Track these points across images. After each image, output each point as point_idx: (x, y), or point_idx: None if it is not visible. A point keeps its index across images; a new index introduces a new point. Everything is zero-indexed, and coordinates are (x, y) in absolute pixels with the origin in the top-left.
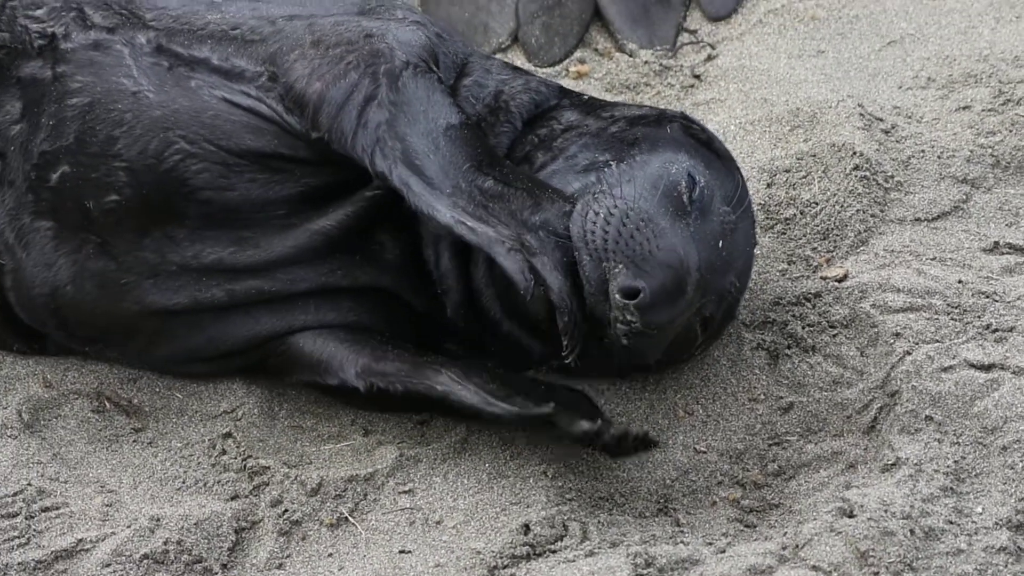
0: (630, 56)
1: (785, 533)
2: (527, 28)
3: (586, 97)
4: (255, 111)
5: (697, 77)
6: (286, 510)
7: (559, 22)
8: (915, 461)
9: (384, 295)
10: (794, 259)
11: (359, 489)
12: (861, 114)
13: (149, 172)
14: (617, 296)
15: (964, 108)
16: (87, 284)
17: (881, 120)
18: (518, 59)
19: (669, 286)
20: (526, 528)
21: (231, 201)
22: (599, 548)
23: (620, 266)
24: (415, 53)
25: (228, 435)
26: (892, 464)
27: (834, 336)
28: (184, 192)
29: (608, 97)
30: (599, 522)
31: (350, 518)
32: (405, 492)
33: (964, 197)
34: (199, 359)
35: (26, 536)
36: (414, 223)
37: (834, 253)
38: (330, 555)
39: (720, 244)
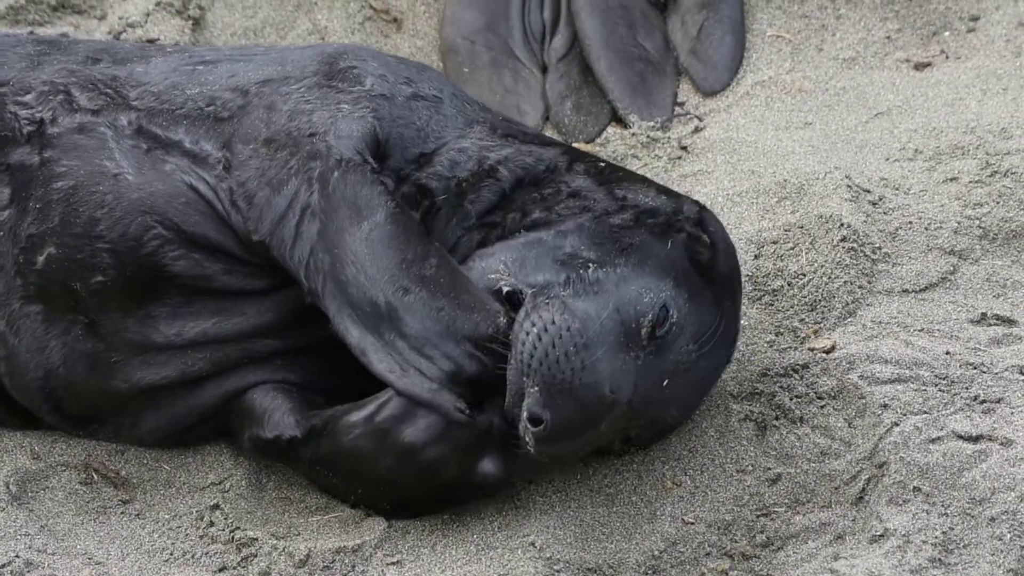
0: (628, 128)
1: None
2: (558, 109)
3: (603, 164)
4: (212, 204)
5: (685, 149)
6: None
7: (588, 101)
8: (903, 532)
9: None
10: (782, 330)
11: (347, 560)
12: (848, 186)
13: (131, 254)
14: (524, 416)
15: (951, 180)
16: (78, 365)
17: (868, 192)
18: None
19: (575, 422)
20: None
21: (211, 289)
22: None
23: (535, 388)
24: (351, 147)
25: (216, 507)
26: (880, 535)
27: (822, 407)
28: (166, 277)
29: None
30: None
31: None
32: (393, 563)
33: (952, 268)
34: (181, 428)
35: None
36: None
37: (822, 324)
38: None
39: (665, 383)
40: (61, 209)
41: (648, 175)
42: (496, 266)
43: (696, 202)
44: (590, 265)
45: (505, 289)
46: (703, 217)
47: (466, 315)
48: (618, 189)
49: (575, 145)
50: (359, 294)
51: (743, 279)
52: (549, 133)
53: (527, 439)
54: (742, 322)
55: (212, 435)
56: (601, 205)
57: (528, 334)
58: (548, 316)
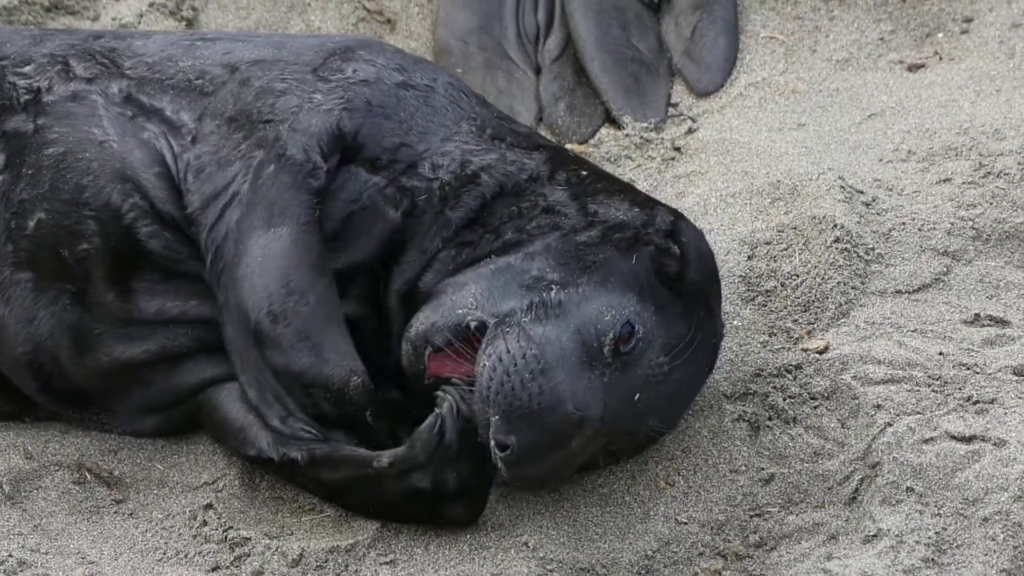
0: (622, 128)
1: None
2: (551, 110)
3: (584, 173)
4: (174, 177)
5: (678, 150)
6: None
7: (582, 102)
8: (896, 532)
9: None
10: (775, 331)
11: (340, 560)
12: (842, 186)
13: (113, 223)
14: (492, 444)
15: (944, 181)
16: (64, 337)
17: (862, 192)
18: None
19: (541, 443)
20: None
21: (185, 272)
22: None
23: (496, 417)
24: (301, 143)
25: (209, 506)
26: (873, 535)
27: (815, 408)
28: (142, 252)
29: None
30: None
31: None
32: (386, 563)
33: (945, 269)
34: (161, 406)
35: None
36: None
37: (815, 325)
38: None
39: (637, 397)
40: (51, 175)
41: (641, 176)
42: (466, 301)
43: (672, 211)
44: (553, 287)
45: (473, 324)
46: (676, 227)
47: (320, 366)
48: (591, 203)
49: (568, 146)
50: (240, 299)
51: (737, 280)
52: (542, 134)
53: (500, 466)
54: (735, 323)
55: (189, 422)
56: (571, 222)
57: (485, 366)
58: (503, 346)
